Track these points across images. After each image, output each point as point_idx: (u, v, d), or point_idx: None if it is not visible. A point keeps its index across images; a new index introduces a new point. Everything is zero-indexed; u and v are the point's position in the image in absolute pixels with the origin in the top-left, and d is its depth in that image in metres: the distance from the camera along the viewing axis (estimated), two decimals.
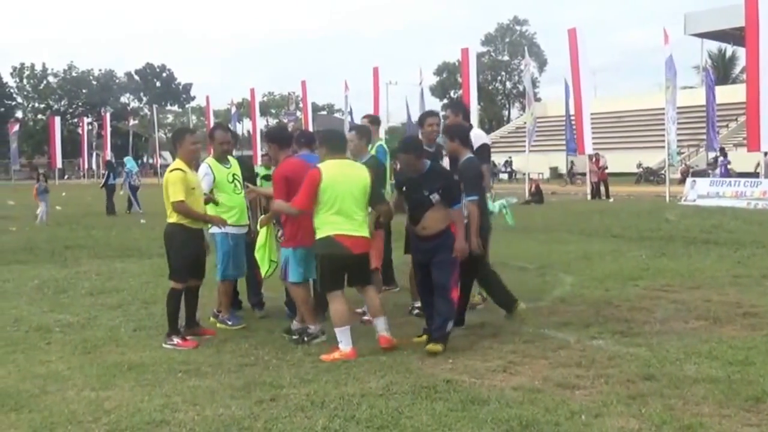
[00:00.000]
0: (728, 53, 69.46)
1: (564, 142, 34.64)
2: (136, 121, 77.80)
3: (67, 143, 72.28)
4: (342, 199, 6.19)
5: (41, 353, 6.45)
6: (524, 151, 35.67)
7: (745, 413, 4.58)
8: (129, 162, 27.50)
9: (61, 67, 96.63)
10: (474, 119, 33.98)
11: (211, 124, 36.15)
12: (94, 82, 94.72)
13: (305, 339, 6.61)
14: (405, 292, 8.38)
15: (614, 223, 17.29)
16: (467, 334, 6.79)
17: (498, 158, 54.68)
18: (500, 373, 5.55)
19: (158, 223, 6.94)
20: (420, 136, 7.67)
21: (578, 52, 29.49)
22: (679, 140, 31.64)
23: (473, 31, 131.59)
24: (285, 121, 63.38)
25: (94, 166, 67.26)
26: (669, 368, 5.50)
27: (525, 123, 37.94)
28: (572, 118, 31.80)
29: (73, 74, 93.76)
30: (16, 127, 67.01)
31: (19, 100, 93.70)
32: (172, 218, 6.74)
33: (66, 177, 70.60)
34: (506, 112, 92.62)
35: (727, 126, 49.64)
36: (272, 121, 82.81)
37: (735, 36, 54.39)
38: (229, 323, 7.37)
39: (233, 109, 55.97)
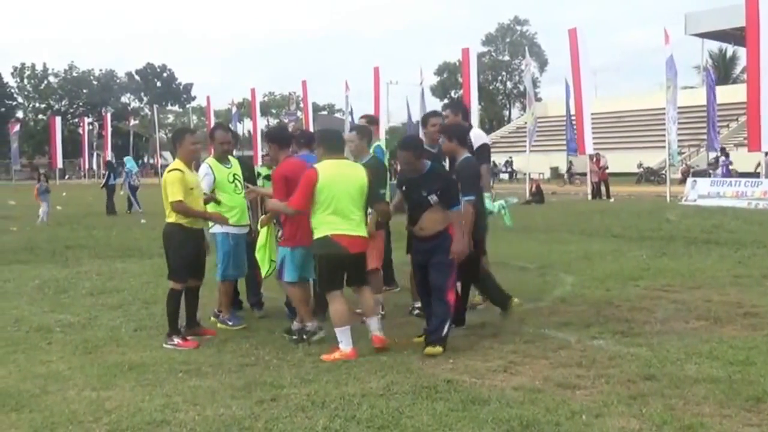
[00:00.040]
0: (729, 53, 69.47)
1: (565, 142, 34.63)
2: (137, 121, 77.84)
3: (68, 143, 72.30)
4: (339, 199, 6.19)
5: (42, 353, 6.45)
6: (525, 151, 35.69)
7: (746, 413, 4.58)
8: (129, 162, 27.53)
9: (61, 67, 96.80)
10: (474, 119, 34.05)
11: (212, 124, 36.12)
12: (95, 82, 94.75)
13: (304, 337, 6.62)
14: (405, 292, 8.38)
15: (615, 223, 17.29)
16: (468, 334, 6.79)
17: (499, 158, 54.75)
18: (501, 373, 5.55)
19: (159, 223, 6.94)
20: (423, 137, 7.66)
21: (579, 52, 29.49)
22: (679, 140, 31.64)
23: (474, 31, 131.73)
24: (285, 121, 63.39)
25: (94, 166, 67.30)
26: (670, 368, 5.50)
27: (526, 123, 37.93)
28: (573, 118, 31.80)
29: (74, 74, 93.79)
30: (17, 127, 67.02)
31: (20, 100, 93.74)
32: (171, 218, 6.75)
33: (67, 177, 70.60)
34: (507, 112, 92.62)
35: (727, 126, 49.64)
36: (273, 121, 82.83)
37: (735, 36, 54.39)
38: (230, 323, 7.37)
39: (234, 109, 55.99)
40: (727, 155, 33.68)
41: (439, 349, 6.08)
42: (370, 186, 6.46)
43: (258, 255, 7.21)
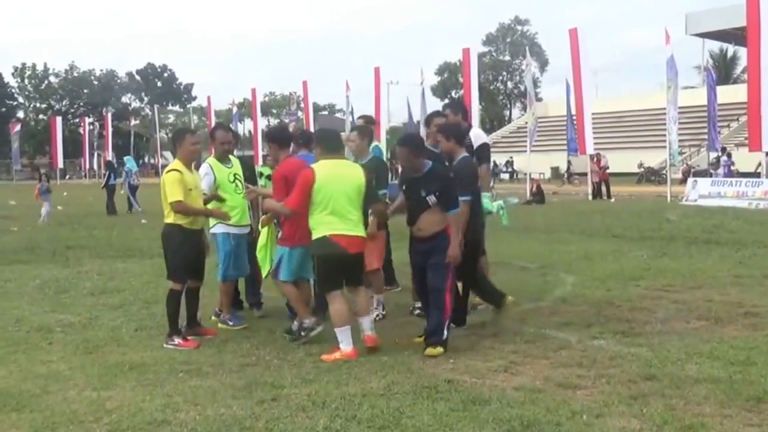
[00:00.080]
0: (729, 53, 69.47)
1: (565, 142, 34.63)
2: (138, 121, 77.86)
3: (69, 143, 72.30)
4: (336, 199, 6.18)
5: (43, 353, 6.45)
6: (525, 151, 35.68)
7: (747, 413, 4.58)
8: (129, 162, 27.54)
9: (62, 67, 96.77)
10: (475, 119, 34.11)
11: (213, 125, 36.20)
12: (96, 82, 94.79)
13: (302, 333, 6.63)
14: (406, 292, 8.38)
15: (615, 223, 17.29)
16: (468, 334, 6.79)
17: (499, 158, 54.75)
18: (501, 373, 5.55)
19: (159, 223, 6.94)
20: (426, 137, 7.64)
21: (579, 52, 29.49)
22: (680, 140, 31.65)
23: (474, 31, 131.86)
24: (286, 121, 63.40)
25: (95, 166, 67.31)
26: (670, 368, 5.50)
27: (526, 123, 37.93)
28: (573, 118, 31.79)
29: (75, 74, 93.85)
30: (18, 127, 66.97)
31: (21, 100, 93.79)
32: (170, 219, 6.74)
33: (67, 177, 70.64)
34: (507, 112, 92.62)
35: (728, 126, 49.63)
36: (274, 122, 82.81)
37: (736, 36, 54.41)
38: (230, 323, 7.37)
39: (234, 109, 56.00)
40: (729, 155, 33.66)
41: (439, 349, 6.08)
42: (368, 186, 6.45)
43: (259, 255, 7.21)
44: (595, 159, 30.15)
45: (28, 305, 8.63)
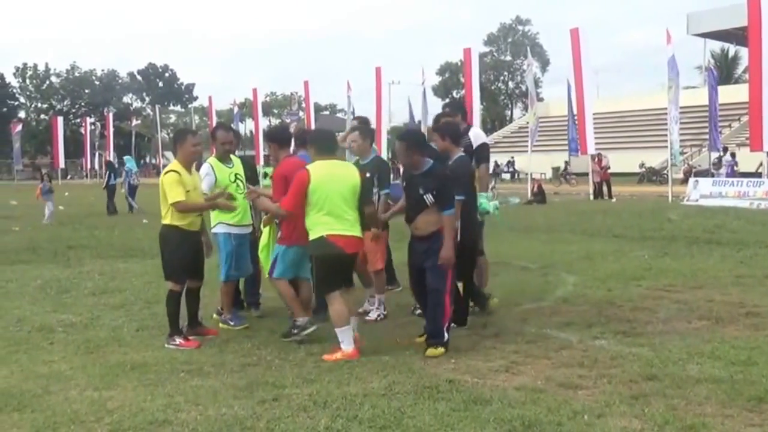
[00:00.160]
0: (731, 53, 69.46)
1: (566, 142, 34.62)
2: (139, 121, 77.88)
3: (70, 143, 72.38)
4: (332, 200, 6.17)
5: (44, 353, 6.45)
6: (527, 151, 35.66)
7: (748, 413, 4.58)
8: (129, 162, 27.55)
9: (63, 67, 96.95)
10: (476, 119, 34.11)
11: (214, 125, 36.24)
12: (97, 83, 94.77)
13: (294, 331, 6.64)
14: (407, 292, 8.34)
15: (617, 223, 17.28)
16: (470, 334, 6.79)
17: (501, 158, 54.79)
18: (503, 373, 5.55)
19: (160, 223, 6.92)
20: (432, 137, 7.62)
21: (581, 52, 29.49)
22: (681, 140, 31.60)
23: (476, 31, 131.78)
24: (287, 121, 63.40)
25: (96, 166, 67.34)
26: (671, 368, 5.50)
27: (527, 123, 37.94)
28: (575, 118, 31.79)
29: (76, 74, 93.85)
30: (19, 127, 67.10)
31: (22, 100, 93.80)
32: (167, 220, 6.73)
33: (69, 177, 70.67)
34: (509, 112, 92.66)
35: (729, 126, 49.62)
36: (275, 122, 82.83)
37: (737, 36, 54.41)
38: (232, 323, 7.36)
39: (236, 109, 56.04)
40: (733, 155, 33.62)
41: (440, 350, 6.08)
42: (363, 186, 6.45)
43: (261, 255, 7.21)
44: (596, 159, 30.14)
45: (29, 305, 8.64)
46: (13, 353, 6.46)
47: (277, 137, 7.53)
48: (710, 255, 11.64)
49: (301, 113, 66.31)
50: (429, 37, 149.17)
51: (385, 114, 40.86)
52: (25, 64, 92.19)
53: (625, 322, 7.08)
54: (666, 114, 28.38)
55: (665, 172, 36.65)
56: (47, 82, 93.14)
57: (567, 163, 43.03)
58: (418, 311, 7.43)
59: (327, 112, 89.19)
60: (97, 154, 68.36)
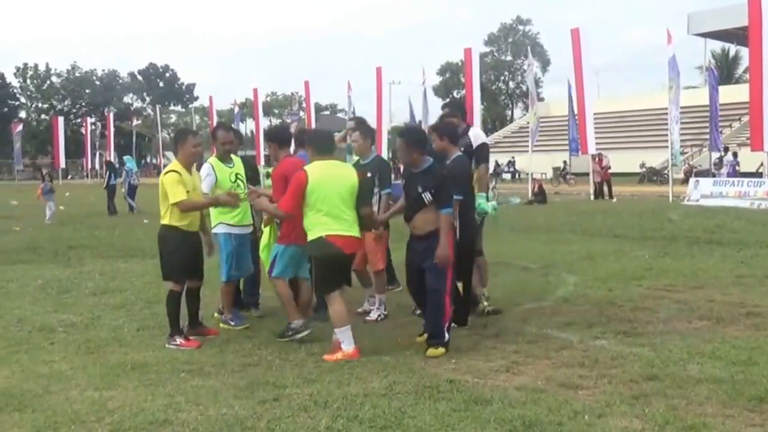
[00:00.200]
0: (731, 53, 69.43)
1: (567, 142, 34.63)
2: (139, 121, 77.98)
3: (71, 143, 72.41)
4: (330, 200, 6.18)
5: (45, 353, 6.46)
6: (527, 151, 35.66)
7: (749, 413, 4.58)
8: (129, 162, 27.55)
9: (64, 67, 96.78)
10: (477, 119, 34.13)
11: (214, 125, 36.22)
12: (98, 83, 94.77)
13: (288, 333, 6.66)
14: (407, 292, 8.35)
15: (617, 223, 17.28)
16: (470, 334, 6.79)
17: (501, 158, 54.78)
18: (503, 373, 5.55)
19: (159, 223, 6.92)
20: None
21: (581, 51, 29.49)
22: (682, 140, 31.60)
23: (476, 31, 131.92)
24: (288, 121, 63.45)
25: (97, 167, 67.38)
26: (672, 368, 5.50)
27: (528, 123, 37.95)
28: (575, 117, 31.79)
29: (77, 74, 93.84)
30: (20, 128, 67.18)
31: (23, 100, 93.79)
32: (166, 220, 6.72)
33: (69, 177, 70.69)
34: (509, 112, 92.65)
35: (730, 126, 49.61)
36: (275, 122, 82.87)
37: (738, 36, 54.38)
38: (232, 323, 7.36)
39: (236, 109, 56.07)
40: (735, 155, 33.60)
41: (441, 350, 6.08)
42: (360, 187, 6.45)
43: (262, 255, 7.21)
44: (597, 159, 30.13)
45: (30, 305, 8.64)
46: (13, 353, 6.46)
47: (277, 137, 7.54)
48: (711, 255, 11.63)
49: (301, 113, 66.34)
50: (429, 37, 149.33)
51: (385, 114, 40.88)
52: (25, 64, 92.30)
53: (626, 322, 7.08)
54: (666, 114, 28.38)
55: (666, 172, 36.66)
56: (48, 82, 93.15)
57: (565, 163, 43.03)
58: (418, 311, 7.43)
59: (327, 112, 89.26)
60: (97, 154, 68.39)
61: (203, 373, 5.72)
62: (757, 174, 29.43)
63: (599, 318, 7.30)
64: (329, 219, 6.18)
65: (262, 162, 36.95)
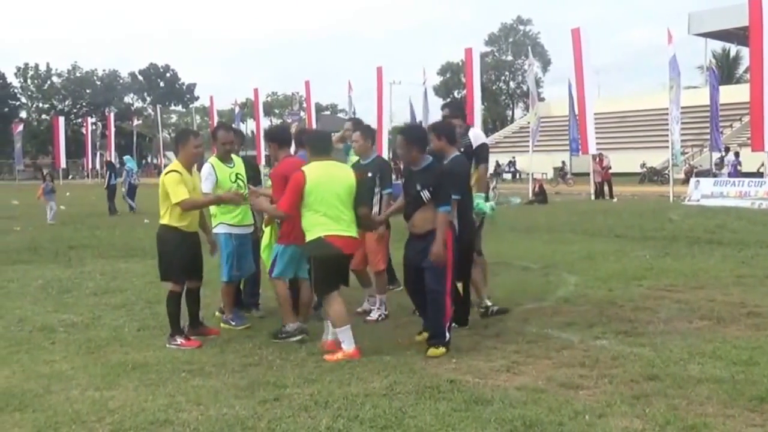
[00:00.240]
0: (732, 53, 69.40)
1: (568, 142, 34.63)
2: (140, 121, 78.02)
3: (71, 143, 72.40)
4: (328, 201, 6.18)
5: (45, 353, 6.46)
6: (528, 151, 35.65)
7: (750, 413, 4.58)
8: (129, 161, 27.56)
9: (64, 67, 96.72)
10: (478, 119, 34.09)
11: (215, 125, 36.18)
12: (98, 83, 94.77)
13: (281, 335, 6.68)
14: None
15: (618, 223, 17.28)
16: (471, 334, 6.79)
17: (502, 158, 54.78)
18: (504, 373, 5.55)
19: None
20: None
21: (582, 51, 29.49)
22: (682, 140, 31.61)
23: (477, 31, 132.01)
24: (289, 121, 63.49)
25: (97, 166, 67.40)
26: (673, 368, 5.50)
27: (529, 123, 37.94)
28: (576, 117, 31.78)
29: (77, 74, 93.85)
30: (20, 128, 67.19)
31: (23, 100, 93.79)
32: (165, 220, 6.71)
33: (70, 177, 70.71)
34: (510, 112, 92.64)
35: (731, 126, 49.59)
36: (276, 122, 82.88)
37: (739, 36, 54.37)
38: (233, 323, 7.35)
39: (237, 109, 56.07)
40: (737, 155, 33.59)
41: (441, 350, 6.08)
42: (358, 187, 6.45)
43: (263, 254, 7.20)
44: (597, 159, 30.13)
45: (30, 305, 8.64)
46: (14, 353, 6.46)
47: (277, 137, 7.53)
48: (711, 255, 11.63)
49: (302, 113, 66.35)
50: (430, 37, 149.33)
51: (386, 114, 40.89)
52: (26, 64, 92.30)
53: (627, 322, 7.07)
54: (667, 114, 28.39)
55: (666, 172, 36.67)
56: (48, 82, 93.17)
57: (564, 163, 43.03)
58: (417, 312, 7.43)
59: (328, 112, 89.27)
60: (98, 154, 68.40)
61: (204, 373, 5.72)
62: (758, 174, 29.43)
63: (600, 318, 7.29)
64: (327, 219, 6.18)
65: (263, 162, 36.96)
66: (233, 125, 24.39)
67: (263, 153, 41.22)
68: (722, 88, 34.14)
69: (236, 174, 7.42)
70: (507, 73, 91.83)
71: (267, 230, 7.24)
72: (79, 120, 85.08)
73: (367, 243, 7.51)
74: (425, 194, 6.18)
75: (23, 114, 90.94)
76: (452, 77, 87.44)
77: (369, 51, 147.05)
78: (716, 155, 35.13)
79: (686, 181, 32.27)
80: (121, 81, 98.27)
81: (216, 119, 52.97)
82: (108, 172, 26.00)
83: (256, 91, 49.09)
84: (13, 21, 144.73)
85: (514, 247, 12.66)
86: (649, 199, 27.74)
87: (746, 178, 27.07)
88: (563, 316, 7.45)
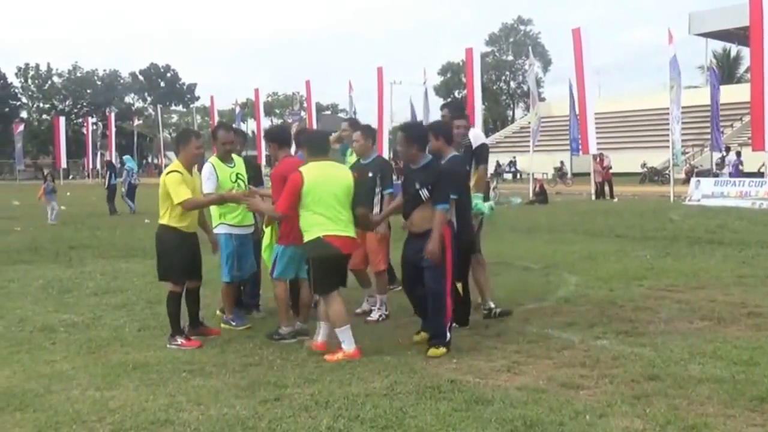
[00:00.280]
0: (733, 53, 69.39)
1: (568, 142, 34.63)
2: (141, 121, 78.07)
3: (72, 143, 72.39)
4: (326, 201, 6.18)
5: (46, 353, 6.46)
6: (528, 151, 35.65)
7: (750, 413, 4.58)
8: (129, 161, 27.56)
9: (65, 67, 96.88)
10: (478, 119, 34.11)
11: (216, 125, 36.15)
12: (99, 83, 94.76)
13: (275, 337, 6.69)
14: None
15: (618, 223, 17.28)
16: (471, 334, 6.79)
17: (502, 158, 54.76)
18: (504, 373, 5.55)
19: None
20: None
21: (582, 51, 29.50)
22: (683, 140, 31.61)
23: (477, 31, 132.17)
24: (289, 121, 63.50)
25: (98, 166, 67.40)
26: (673, 368, 5.50)
27: (529, 123, 37.96)
28: (577, 117, 31.77)
29: (78, 74, 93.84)
30: (21, 128, 67.20)
31: (24, 100, 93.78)
32: (164, 220, 6.71)
33: (71, 177, 70.72)
34: (510, 112, 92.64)
35: (731, 126, 49.58)
36: (277, 122, 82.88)
37: (739, 36, 54.36)
38: (234, 324, 7.35)
39: (238, 109, 56.11)
40: (738, 154, 33.57)
41: (442, 350, 6.08)
42: (356, 187, 6.45)
43: (264, 255, 7.20)
44: (598, 159, 30.13)
45: (31, 305, 8.64)
46: (15, 353, 6.47)
47: (277, 137, 7.52)
48: (712, 255, 11.63)
49: (302, 113, 66.33)
50: (430, 37, 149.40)
51: (386, 114, 40.91)
52: (27, 65, 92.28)
53: (627, 322, 7.07)
54: (668, 114, 28.41)
55: (667, 172, 36.68)
56: (49, 82, 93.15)
57: (563, 163, 43.00)
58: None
59: (329, 112, 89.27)
60: (99, 154, 68.40)
61: (204, 373, 5.72)
62: (759, 174, 29.43)
63: (600, 318, 7.29)
64: (326, 220, 6.18)
65: (263, 162, 36.96)
66: (234, 125, 24.44)
67: (264, 153, 41.18)
68: (723, 88, 34.11)
69: (237, 174, 7.42)
70: (507, 73, 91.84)
71: (268, 231, 7.24)
72: (80, 120, 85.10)
73: (368, 243, 7.51)
74: (424, 192, 6.18)
75: (24, 114, 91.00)
76: (453, 77, 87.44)
77: (369, 51, 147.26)
78: (717, 155, 35.11)
79: (687, 181, 32.25)
80: (121, 81, 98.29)
81: (217, 119, 52.97)
82: (108, 172, 26.00)
83: (256, 91, 49.12)
84: (13, 21, 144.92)
85: (515, 247, 12.66)
86: (650, 199, 27.74)
87: (747, 178, 27.07)
88: (564, 316, 7.45)
